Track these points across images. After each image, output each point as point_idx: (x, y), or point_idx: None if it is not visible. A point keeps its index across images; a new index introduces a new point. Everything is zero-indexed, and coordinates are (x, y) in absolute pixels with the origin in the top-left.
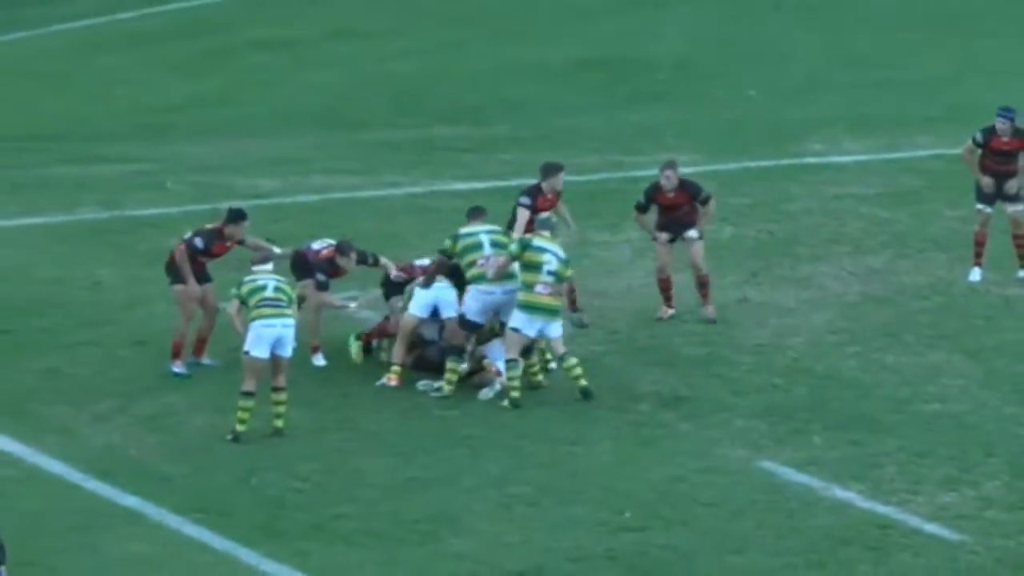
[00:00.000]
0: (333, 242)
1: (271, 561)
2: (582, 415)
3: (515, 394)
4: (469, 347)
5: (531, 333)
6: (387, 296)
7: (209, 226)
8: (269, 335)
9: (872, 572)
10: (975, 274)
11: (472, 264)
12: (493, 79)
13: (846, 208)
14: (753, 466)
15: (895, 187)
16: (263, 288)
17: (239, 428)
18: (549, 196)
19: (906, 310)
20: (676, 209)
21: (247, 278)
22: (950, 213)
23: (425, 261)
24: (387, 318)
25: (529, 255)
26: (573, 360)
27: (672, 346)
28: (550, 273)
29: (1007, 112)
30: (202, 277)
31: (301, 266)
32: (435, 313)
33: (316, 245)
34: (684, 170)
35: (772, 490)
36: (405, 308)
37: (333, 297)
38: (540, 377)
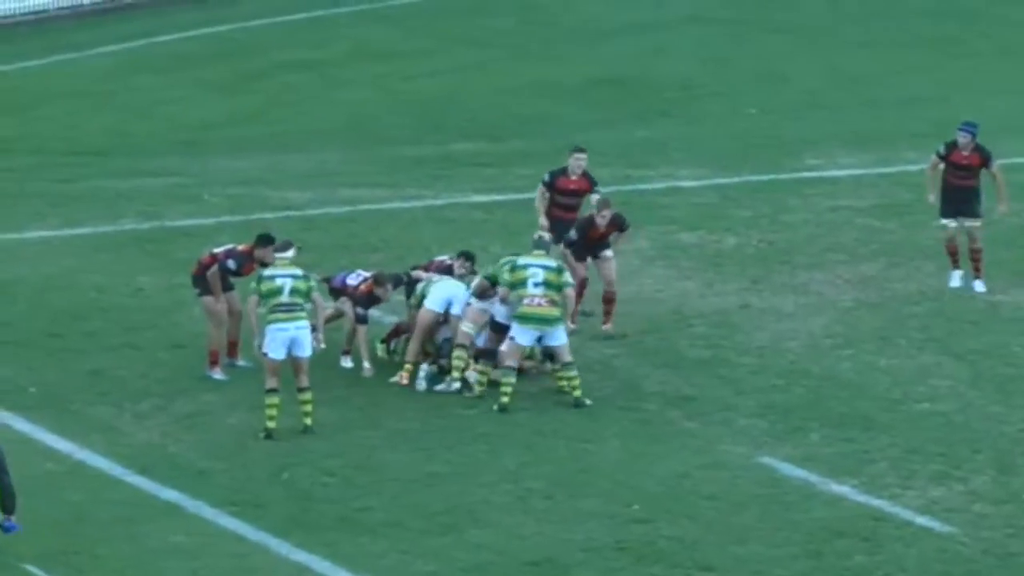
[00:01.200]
0: (366, 274)
1: (301, 551)
2: (593, 414)
3: (504, 399)
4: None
5: (526, 342)
6: (408, 296)
7: (240, 247)
8: (283, 338)
9: (866, 562)
10: (954, 279)
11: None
12: (511, 97)
13: (841, 219)
14: (754, 462)
15: (887, 199)
16: (279, 291)
17: (269, 425)
18: (573, 178)
19: (898, 315)
20: (603, 238)
21: (266, 273)
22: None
23: (444, 257)
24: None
25: (516, 274)
26: (573, 372)
27: (678, 349)
28: (537, 285)
29: (969, 127)
30: (225, 286)
31: (339, 293)
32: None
33: (351, 279)
34: (689, 184)
35: (772, 484)
36: (419, 306)
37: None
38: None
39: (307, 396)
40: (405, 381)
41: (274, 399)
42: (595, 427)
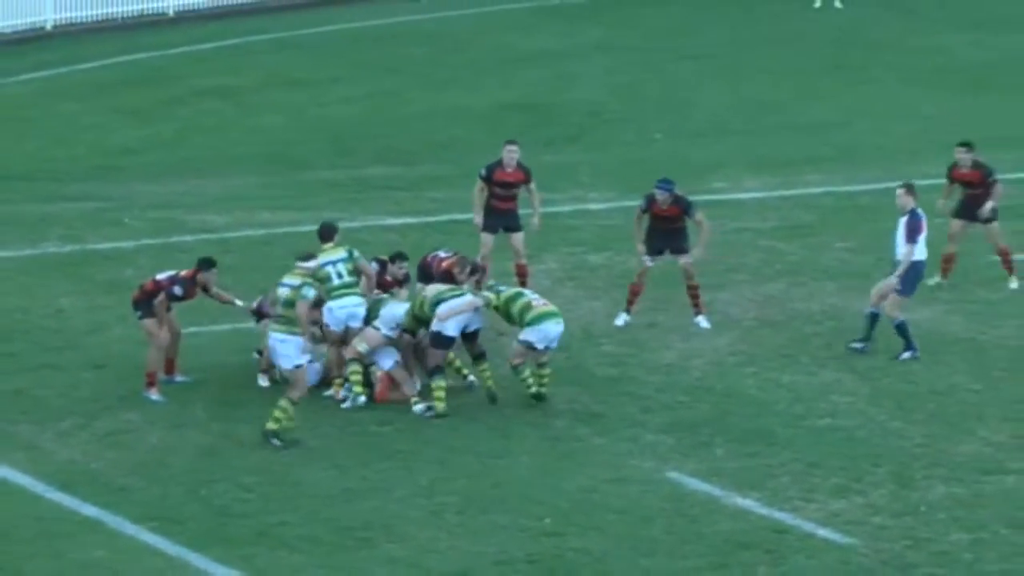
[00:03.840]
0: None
1: (219, 565)
2: (505, 430)
3: (534, 389)
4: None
5: (541, 346)
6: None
7: (183, 273)
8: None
9: (770, 573)
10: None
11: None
12: (423, 123)
13: (745, 240)
14: (661, 476)
15: (790, 221)
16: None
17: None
18: (508, 170)
19: (800, 334)
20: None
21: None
22: (840, 245)
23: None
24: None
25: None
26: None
27: (587, 367)
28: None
29: (665, 184)
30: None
31: (264, 316)
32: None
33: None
34: (597, 206)
35: (678, 498)
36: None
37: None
38: (491, 383)
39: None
40: (339, 395)
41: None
42: (506, 443)
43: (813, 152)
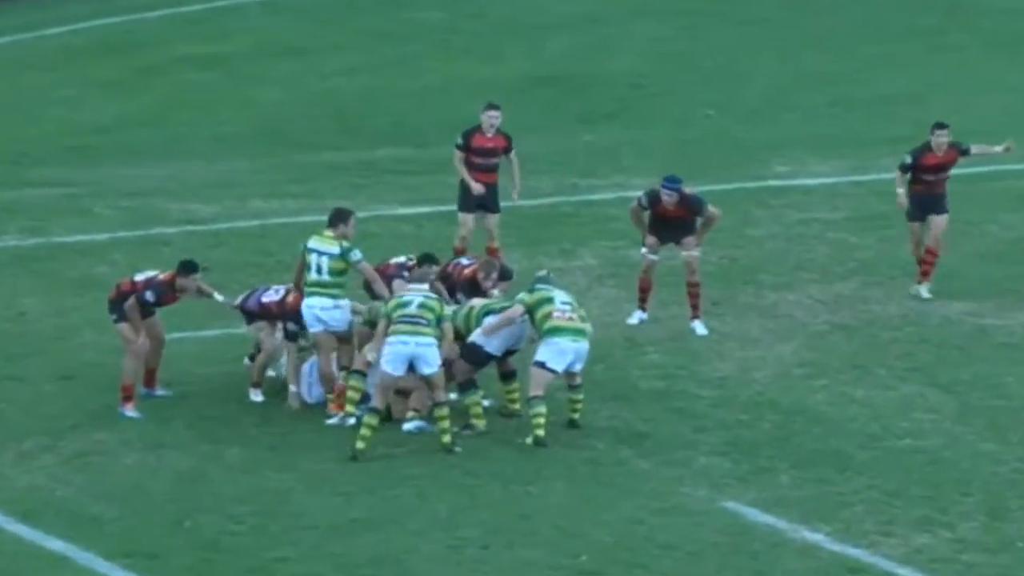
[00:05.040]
0: (282, 288)
1: None
2: (535, 453)
3: (540, 432)
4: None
5: (559, 367)
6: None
7: (161, 276)
8: (402, 352)
9: None
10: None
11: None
12: (439, 98)
13: (812, 233)
14: (716, 506)
15: (863, 211)
16: (406, 304)
17: (359, 445)
18: (488, 135)
19: (876, 341)
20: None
21: (399, 295)
22: None
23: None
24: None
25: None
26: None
27: (630, 379)
28: (564, 303)
29: (672, 183)
30: (145, 313)
31: (255, 316)
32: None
33: (268, 297)
34: (641, 193)
35: (736, 532)
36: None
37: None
38: (517, 406)
39: (443, 412)
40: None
41: (374, 420)
42: (537, 468)
43: (888, 131)
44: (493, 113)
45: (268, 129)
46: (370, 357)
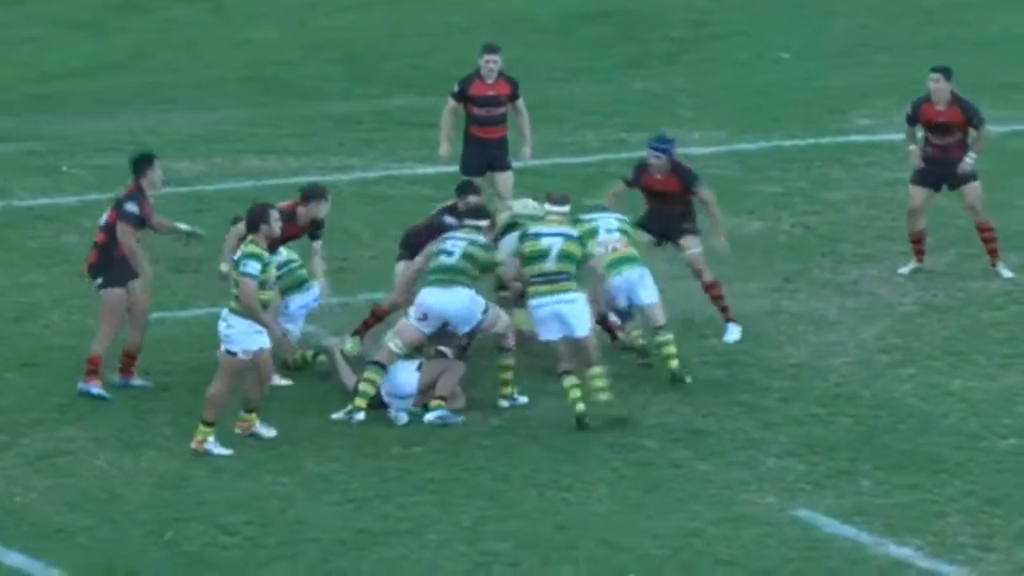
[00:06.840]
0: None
1: None
2: (575, 453)
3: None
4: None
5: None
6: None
7: (127, 190)
8: (547, 315)
9: None
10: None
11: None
12: (465, 38)
13: (900, 197)
14: (786, 516)
15: None
16: (544, 256)
17: (579, 408)
18: (489, 82)
19: (975, 323)
20: None
21: (531, 231)
22: None
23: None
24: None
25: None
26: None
27: (686, 367)
28: (608, 231)
29: (661, 143)
30: (128, 272)
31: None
32: None
33: None
34: (702, 150)
35: (810, 546)
36: None
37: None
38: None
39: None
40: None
41: (572, 380)
42: (577, 470)
43: (993, 76)
44: (491, 57)
45: (263, 74)
46: (394, 347)
